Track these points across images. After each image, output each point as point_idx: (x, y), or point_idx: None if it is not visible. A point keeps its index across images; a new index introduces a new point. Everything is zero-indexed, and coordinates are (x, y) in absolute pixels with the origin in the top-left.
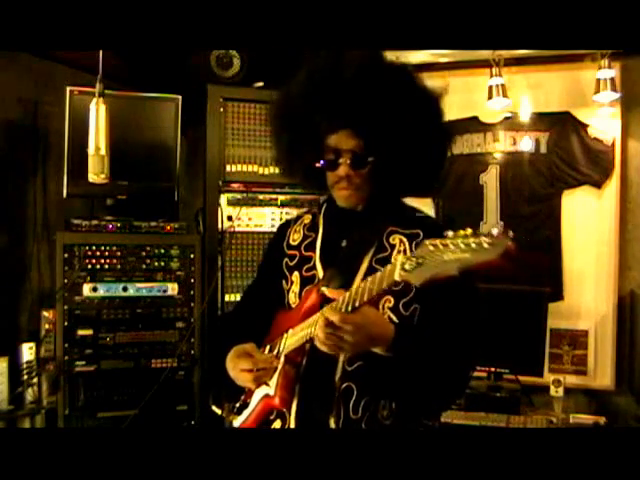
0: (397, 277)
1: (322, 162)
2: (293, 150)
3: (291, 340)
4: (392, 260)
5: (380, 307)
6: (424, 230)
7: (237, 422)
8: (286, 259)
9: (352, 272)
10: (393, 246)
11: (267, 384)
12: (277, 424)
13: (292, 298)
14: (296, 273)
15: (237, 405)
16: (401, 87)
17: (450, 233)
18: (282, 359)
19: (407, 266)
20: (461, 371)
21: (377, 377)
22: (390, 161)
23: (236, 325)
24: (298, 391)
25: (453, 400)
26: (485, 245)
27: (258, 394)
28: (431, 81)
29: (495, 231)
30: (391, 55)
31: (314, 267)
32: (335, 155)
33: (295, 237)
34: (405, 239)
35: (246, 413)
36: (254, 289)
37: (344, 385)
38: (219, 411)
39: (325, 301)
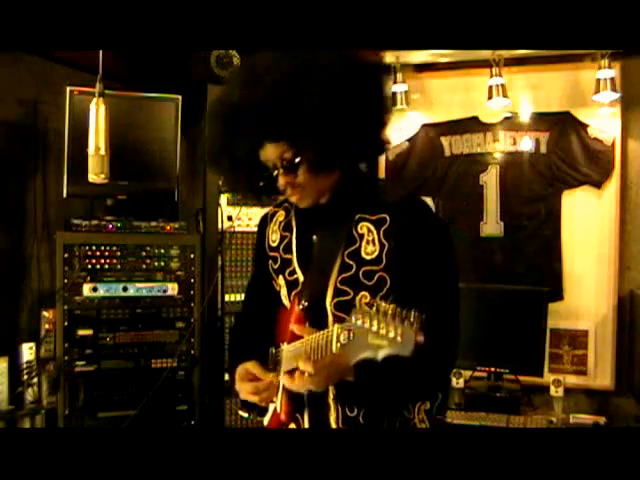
0: (335, 350)
1: (262, 181)
2: (237, 178)
3: (285, 361)
4: (355, 304)
5: (357, 304)
6: (390, 214)
7: (265, 421)
8: (270, 261)
9: (327, 273)
10: (362, 235)
11: (273, 401)
12: (292, 427)
13: (284, 300)
14: (281, 277)
15: (258, 408)
16: (295, 78)
17: (378, 303)
18: (282, 378)
19: (342, 339)
20: (435, 373)
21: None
22: (320, 150)
23: (246, 330)
24: (307, 402)
25: (427, 396)
26: (398, 339)
27: (271, 405)
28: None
29: (408, 316)
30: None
31: (294, 271)
32: (271, 168)
33: (273, 237)
34: (372, 226)
35: (268, 416)
36: (253, 288)
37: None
38: (246, 415)
39: (308, 314)
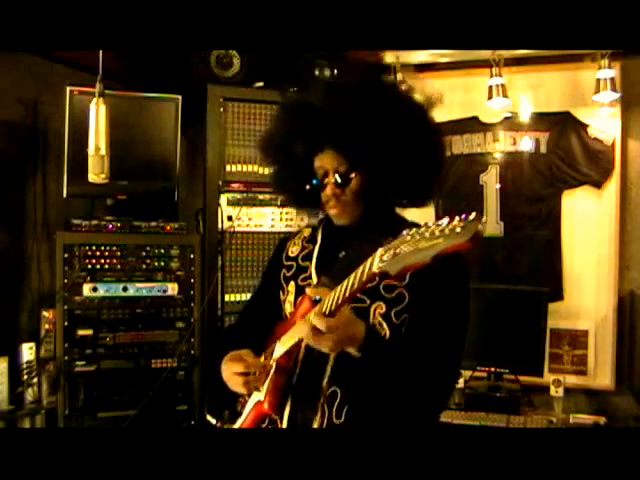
0: (375, 269)
1: (309, 184)
2: (285, 174)
3: (282, 346)
4: (369, 312)
5: (371, 313)
6: None
7: (236, 426)
8: (284, 270)
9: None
10: None
11: (258, 390)
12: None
13: (288, 308)
14: (292, 283)
15: (230, 413)
16: (380, 103)
17: (430, 223)
18: (273, 365)
19: (385, 257)
20: (436, 383)
21: (358, 381)
22: (375, 176)
23: (237, 339)
24: (290, 398)
25: (430, 408)
26: (458, 229)
27: (251, 401)
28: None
29: (467, 216)
30: (391, 57)
31: (310, 277)
32: (321, 175)
33: (294, 249)
34: None
35: (239, 421)
36: (254, 304)
37: (330, 389)
38: (214, 420)
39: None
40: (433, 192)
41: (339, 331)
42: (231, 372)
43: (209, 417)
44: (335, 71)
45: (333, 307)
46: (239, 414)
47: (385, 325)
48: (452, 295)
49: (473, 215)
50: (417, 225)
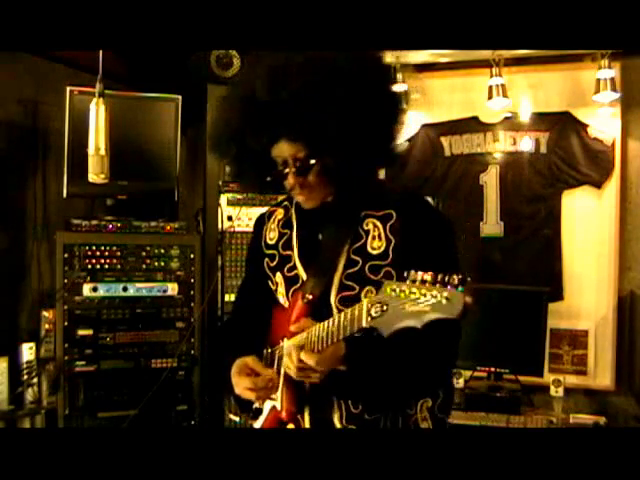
0: (365, 324)
1: (269, 176)
2: (242, 168)
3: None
4: (361, 298)
5: (363, 297)
6: (397, 209)
7: (256, 426)
8: (266, 259)
9: (331, 268)
10: (367, 232)
11: (272, 398)
12: (290, 427)
13: (281, 299)
14: (279, 274)
15: (252, 410)
16: (327, 83)
17: (412, 274)
18: (282, 374)
19: (373, 312)
20: (433, 368)
21: (355, 383)
22: (336, 158)
23: (237, 331)
24: (308, 398)
25: (421, 394)
26: (443, 302)
27: (269, 403)
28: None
29: (449, 279)
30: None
31: (295, 267)
32: (281, 165)
33: (271, 236)
34: (379, 222)
35: (261, 419)
36: (244, 292)
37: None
38: (237, 418)
39: (312, 308)
40: (397, 155)
41: (328, 361)
42: (242, 388)
43: (231, 416)
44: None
45: (320, 348)
46: (259, 411)
47: None
48: (440, 256)
49: (455, 280)
50: (394, 189)
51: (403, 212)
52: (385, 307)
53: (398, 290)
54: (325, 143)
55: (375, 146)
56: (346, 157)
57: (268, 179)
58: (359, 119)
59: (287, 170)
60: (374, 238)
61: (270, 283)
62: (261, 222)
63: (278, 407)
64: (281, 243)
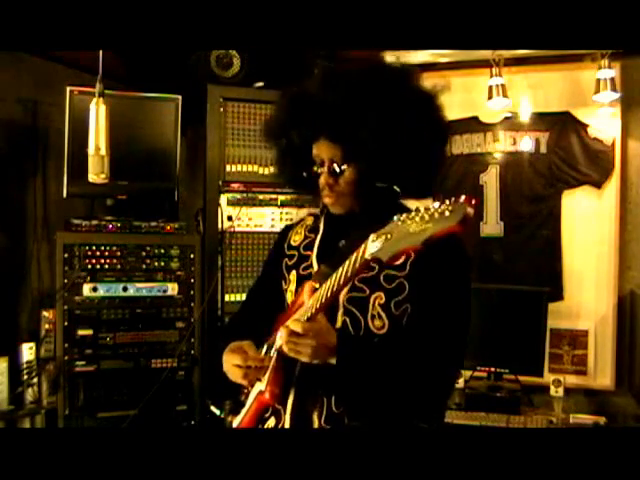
0: (367, 255)
1: (305, 172)
2: (284, 160)
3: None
4: (369, 301)
5: (370, 303)
6: None
7: (235, 422)
8: (286, 259)
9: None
10: None
11: (260, 380)
12: (271, 422)
13: (289, 297)
14: (294, 272)
15: (234, 404)
16: (375, 94)
17: (421, 207)
18: (274, 356)
19: (377, 242)
20: (436, 376)
21: (342, 383)
22: (370, 168)
23: (238, 330)
24: (294, 388)
25: (424, 404)
26: (446, 213)
27: (254, 392)
28: (426, 82)
29: (456, 199)
30: (391, 57)
31: (311, 265)
32: (317, 164)
33: (296, 238)
34: None
35: (243, 412)
36: (255, 294)
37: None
38: (217, 411)
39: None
40: (431, 185)
41: (316, 336)
42: (231, 364)
43: (213, 408)
44: (335, 64)
45: (329, 294)
46: (242, 404)
47: (384, 316)
48: (453, 286)
49: (462, 198)
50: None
51: None
52: (389, 236)
53: (404, 217)
54: (361, 150)
55: (409, 167)
56: (378, 169)
57: (304, 175)
58: (399, 136)
59: (321, 170)
60: None
61: (283, 283)
62: (288, 228)
63: (263, 388)
64: (303, 245)
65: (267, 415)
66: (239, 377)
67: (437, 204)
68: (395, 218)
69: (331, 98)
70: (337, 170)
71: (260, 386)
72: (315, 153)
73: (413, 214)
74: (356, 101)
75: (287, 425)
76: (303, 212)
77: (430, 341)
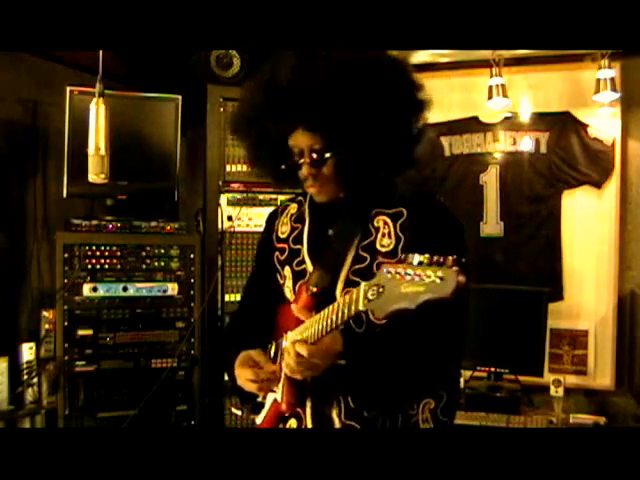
0: (361, 307)
1: (284, 164)
2: (259, 154)
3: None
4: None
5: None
6: (408, 207)
7: (258, 420)
8: (277, 253)
9: (339, 263)
10: (377, 229)
11: (274, 390)
12: (292, 423)
13: (288, 293)
14: (287, 268)
15: (254, 403)
16: (349, 78)
17: (410, 256)
18: (285, 367)
19: (370, 295)
20: (433, 367)
21: (355, 380)
22: (352, 153)
23: (242, 326)
24: (310, 391)
25: (424, 392)
26: (437, 281)
27: (270, 397)
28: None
29: (444, 260)
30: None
31: (303, 261)
32: (297, 155)
33: (283, 229)
34: (389, 219)
35: (263, 413)
36: (252, 287)
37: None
38: (239, 412)
39: (316, 301)
40: (414, 160)
41: (323, 356)
42: (244, 378)
43: (234, 409)
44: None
45: (318, 337)
46: (261, 405)
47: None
48: (447, 253)
49: (450, 261)
50: (407, 188)
51: (414, 211)
52: (381, 289)
53: (394, 272)
54: (341, 137)
55: (391, 146)
56: (361, 154)
57: (283, 167)
58: (378, 117)
59: (302, 160)
60: (384, 235)
61: (279, 277)
62: (274, 216)
63: (279, 399)
64: (292, 237)
65: (287, 415)
66: (254, 390)
67: (426, 258)
68: (385, 271)
69: (306, 86)
70: (319, 159)
71: (275, 395)
72: (292, 144)
73: (402, 270)
74: (332, 87)
75: (309, 425)
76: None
77: (434, 316)
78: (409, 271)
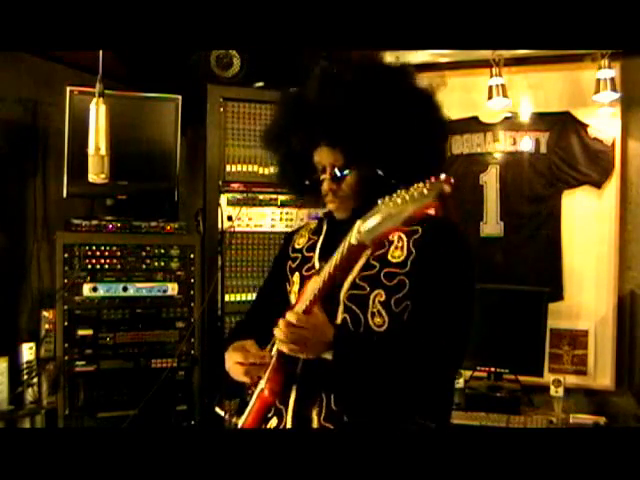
0: (353, 241)
1: (307, 179)
2: (286, 169)
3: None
4: (369, 299)
5: (371, 301)
6: (423, 227)
7: (240, 422)
8: (290, 262)
9: (349, 268)
10: (391, 242)
11: (262, 378)
12: (274, 422)
13: (293, 299)
14: (297, 274)
15: (239, 404)
16: (373, 99)
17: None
18: (275, 353)
19: (362, 228)
20: (437, 371)
21: (341, 379)
22: (372, 171)
23: (245, 331)
24: (295, 386)
25: (421, 398)
26: (424, 191)
27: (256, 391)
28: (425, 81)
29: (436, 178)
30: (391, 57)
31: (313, 267)
32: (320, 170)
33: (300, 241)
34: (404, 235)
35: (246, 412)
36: (261, 299)
37: (329, 377)
38: (222, 412)
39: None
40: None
41: (312, 329)
42: (232, 361)
43: (217, 409)
44: (333, 68)
45: (322, 285)
46: (245, 405)
47: (384, 313)
48: (455, 282)
49: (442, 177)
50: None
51: (429, 230)
52: (373, 217)
53: (387, 199)
54: (361, 154)
55: (412, 168)
56: (380, 171)
57: (307, 183)
58: (399, 138)
59: (323, 176)
60: (396, 248)
61: (287, 285)
62: (293, 232)
63: (263, 386)
64: (306, 247)
65: (270, 415)
66: (240, 374)
67: (417, 184)
68: (379, 201)
69: (328, 103)
70: (339, 175)
71: (261, 385)
72: (316, 160)
73: (395, 195)
74: (353, 105)
75: (289, 424)
76: (303, 212)
77: (430, 337)
78: (401, 191)
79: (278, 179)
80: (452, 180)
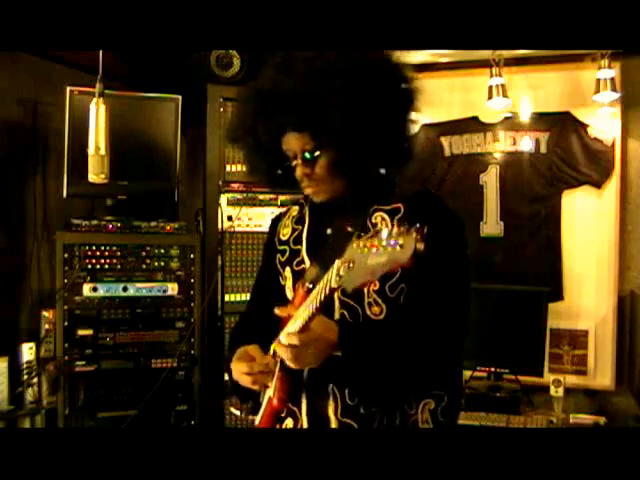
0: (334, 284)
1: (280, 168)
2: (256, 160)
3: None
4: (363, 292)
5: (365, 292)
6: (405, 204)
7: (256, 421)
8: (278, 255)
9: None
10: (375, 225)
11: (268, 386)
12: (289, 422)
13: (289, 293)
14: (288, 268)
15: (251, 405)
16: (332, 75)
17: (381, 229)
18: (278, 361)
19: (342, 272)
20: (431, 366)
21: (353, 373)
22: (343, 150)
23: (246, 328)
24: (305, 389)
25: (425, 388)
26: (397, 248)
27: (266, 395)
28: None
29: (409, 228)
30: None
31: (303, 261)
32: (291, 157)
33: (285, 232)
34: (386, 215)
35: (260, 413)
36: (257, 290)
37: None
38: (238, 412)
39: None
40: (410, 154)
41: (315, 343)
42: (239, 372)
43: (232, 409)
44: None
45: (304, 324)
46: (259, 405)
47: (380, 301)
48: (446, 250)
49: (413, 231)
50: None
51: (411, 206)
52: (352, 264)
53: (362, 245)
54: (329, 134)
55: (381, 141)
56: (351, 150)
57: (279, 172)
58: (363, 112)
59: (295, 162)
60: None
61: (280, 279)
62: (277, 220)
63: (271, 395)
64: (292, 238)
65: (283, 415)
66: (249, 384)
67: (387, 232)
68: (354, 245)
69: (288, 88)
70: (310, 158)
71: (269, 392)
72: (286, 147)
73: (369, 241)
74: (314, 86)
75: (305, 424)
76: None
77: (433, 310)
78: (376, 242)
79: (250, 172)
80: (425, 230)
